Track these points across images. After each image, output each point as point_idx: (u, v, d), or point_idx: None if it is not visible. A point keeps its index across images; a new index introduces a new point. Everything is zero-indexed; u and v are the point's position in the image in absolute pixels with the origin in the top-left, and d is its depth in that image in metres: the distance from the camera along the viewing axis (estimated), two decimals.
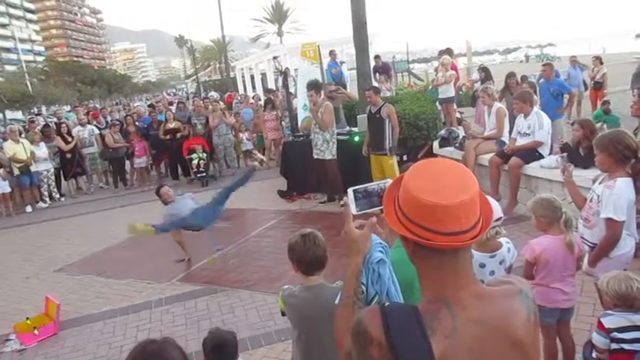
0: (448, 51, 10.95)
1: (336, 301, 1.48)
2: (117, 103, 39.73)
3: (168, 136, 10.94)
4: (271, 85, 19.41)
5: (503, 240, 2.54)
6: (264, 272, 5.38)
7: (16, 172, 9.67)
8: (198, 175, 10.41)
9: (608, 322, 2.40)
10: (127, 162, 11.41)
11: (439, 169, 1.10)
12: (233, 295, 4.93)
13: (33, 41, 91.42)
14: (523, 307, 1.12)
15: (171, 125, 11.03)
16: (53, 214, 9.58)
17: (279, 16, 55.69)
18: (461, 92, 13.36)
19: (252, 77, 25.39)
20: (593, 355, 2.49)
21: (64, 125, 11.01)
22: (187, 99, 31.31)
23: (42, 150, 10.05)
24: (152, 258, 6.30)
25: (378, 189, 1.45)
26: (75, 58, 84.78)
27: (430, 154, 7.88)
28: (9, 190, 9.69)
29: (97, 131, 11.22)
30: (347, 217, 1.44)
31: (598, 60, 12.00)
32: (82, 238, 7.72)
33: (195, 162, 10.39)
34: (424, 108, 8.41)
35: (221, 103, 15.43)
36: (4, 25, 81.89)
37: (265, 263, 5.62)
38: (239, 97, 18.49)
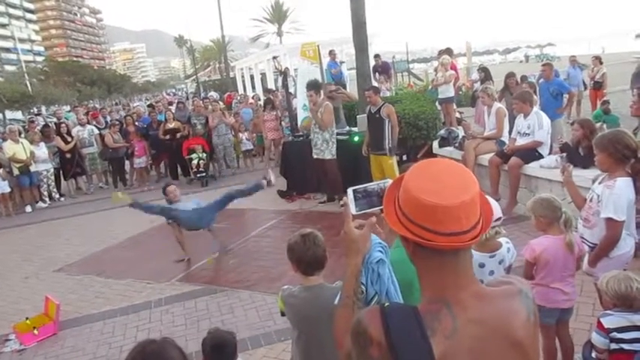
0: (448, 51, 10.96)
1: (336, 301, 1.48)
2: (116, 104, 39.67)
3: (167, 136, 10.94)
4: (271, 85, 19.40)
5: (502, 240, 2.54)
6: (263, 272, 5.38)
7: (16, 172, 9.67)
8: (198, 175, 10.41)
9: (608, 322, 2.40)
10: (127, 162, 11.42)
11: (439, 170, 1.09)
12: (233, 295, 4.93)
13: (32, 41, 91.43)
14: (523, 307, 1.12)
15: (171, 125, 11.03)
16: (53, 214, 9.58)
17: (278, 16, 55.69)
18: (460, 92, 13.37)
19: (252, 77, 25.39)
20: (593, 355, 2.49)
21: (63, 125, 11.01)
22: (187, 99, 31.31)
23: (42, 150, 10.05)
24: (152, 258, 6.30)
25: (378, 189, 1.45)
26: (74, 58, 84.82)
27: (430, 154, 7.89)
28: (8, 190, 9.69)
29: (96, 131, 11.23)
30: (346, 217, 1.44)
31: (597, 60, 12.00)
32: (81, 238, 7.72)
33: (194, 162, 10.39)
34: (424, 108, 8.42)
35: (221, 103, 15.43)
36: (3, 25, 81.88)
37: (265, 263, 5.62)
38: (239, 97, 18.48)
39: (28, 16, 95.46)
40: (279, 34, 54.45)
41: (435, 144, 7.94)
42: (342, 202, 1.45)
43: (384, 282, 1.58)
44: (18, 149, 9.63)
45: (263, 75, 23.48)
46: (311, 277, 2.25)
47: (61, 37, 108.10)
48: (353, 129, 8.24)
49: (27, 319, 4.63)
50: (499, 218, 2.35)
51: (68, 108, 31.21)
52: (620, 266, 2.87)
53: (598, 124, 7.28)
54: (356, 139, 7.76)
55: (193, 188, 10.07)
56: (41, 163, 10.00)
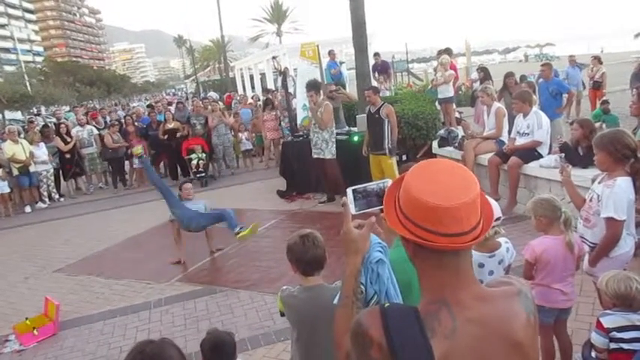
0: (447, 51, 10.96)
1: (335, 301, 1.48)
2: (116, 104, 39.68)
3: (166, 136, 10.94)
4: (270, 85, 19.40)
5: (502, 240, 2.54)
6: (263, 272, 5.38)
7: (15, 172, 9.67)
8: (198, 176, 10.41)
9: (607, 321, 2.40)
10: (127, 162, 11.41)
11: (440, 170, 1.09)
12: (232, 295, 4.93)
13: (32, 41, 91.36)
14: (523, 308, 1.12)
15: (171, 125, 11.03)
16: (52, 214, 9.57)
17: (278, 15, 55.71)
18: (460, 92, 13.37)
19: (252, 77, 25.40)
20: (592, 354, 2.49)
21: (63, 125, 11.00)
22: (186, 99, 31.32)
23: (41, 150, 10.05)
24: (151, 258, 6.30)
25: (378, 189, 1.45)
26: (74, 59, 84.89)
27: (429, 154, 7.89)
28: (8, 190, 9.69)
29: (96, 131, 11.21)
30: (346, 217, 1.44)
31: (597, 60, 12.01)
32: (81, 238, 7.71)
33: (194, 162, 10.38)
34: (423, 108, 8.42)
35: (220, 103, 15.43)
36: (2, 26, 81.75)
37: (265, 263, 5.62)
38: (238, 97, 18.49)
39: (28, 16, 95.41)
40: (279, 34, 54.47)
41: (435, 144, 7.94)
42: (341, 202, 1.45)
43: (384, 282, 1.58)
44: (17, 149, 9.63)
45: (262, 75, 23.49)
46: (310, 277, 2.25)
47: (61, 37, 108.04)
48: (352, 129, 8.24)
49: (27, 319, 4.63)
50: (498, 218, 2.35)
51: (67, 108, 31.22)
52: (620, 266, 2.88)
53: (597, 124, 7.30)
54: (355, 139, 7.77)
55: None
56: (41, 163, 9.99)
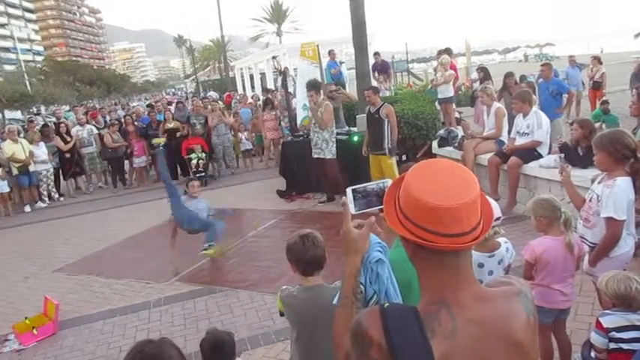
0: (447, 51, 10.96)
1: (334, 301, 1.48)
2: (115, 103, 39.65)
3: (165, 135, 10.92)
4: (270, 85, 19.40)
5: (501, 240, 2.54)
6: (263, 272, 5.37)
7: (15, 171, 9.67)
8: (197, 175, 10.38)
9: (607, 321, 2.40)
10: (126, 162, 11.41)
11: (440, 170, 1.09)
12: (232, 295, 4.93)
13: (32, 41, 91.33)
14: (523, 308, 1.12)
15: (170, 125, 11.03)
16: (52, 214, 9.57)
17: (278, 15, 55.70)
18: (460, 92, 13.37)
19: (252, 77, 25.40)
20: (592, 354, 2.49)
21: (62, 125, 11.00)
22: (186, 99, 31.31)
23: (41, 150, 10.05)
24: (151, 258, 6.29)
25: (377, 189, 1.45)
26: (74, 58, 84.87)
27: (429, 154, 7.89)
28: (8, 190, 9.68)
29: (95, 131, 11.21)
30: (345, 217, 1.44)
31: (597, 60, 12.01)
32: (81, 238, 7.71)
33: (194, 162, 10.38)
34: (423, 108, 8.42)
35: (220, 102, 15.42)
36: (2, 25, 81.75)
37: (264, 263, 5.62)
38: (238, 97, 18.49)
39: (28, 15, 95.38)
40: (279, 33, 54.46)
41: (435, 144, 7.94)
42: (341, 202, 1.45)
43: (383, 282, 1.58)
44: (17, 149, 9.62)
45: (262, 75, 23.49)
46: (310, 277, 2.25)
47: (61, 36, 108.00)
48: (352, 129, 8.24)
49: (26, 319, 4.63)
50: (498, 218, 2.35)
51: (67, 108, 31.18)
52: (619, 266, 2.88)
53: (597, 124, 7.30)
54: (355, 138, 7.77)
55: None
56: (40, 162, 9.99)
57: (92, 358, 4.15)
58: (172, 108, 13.37)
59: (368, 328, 1.06)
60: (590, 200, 3.05)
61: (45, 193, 10.31)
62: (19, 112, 38.40)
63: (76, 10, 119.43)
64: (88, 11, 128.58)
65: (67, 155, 10.68)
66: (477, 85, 9.63)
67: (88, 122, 11.52)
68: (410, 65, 27.71)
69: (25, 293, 5.74)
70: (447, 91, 9.54)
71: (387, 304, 1.13)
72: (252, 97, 17.37)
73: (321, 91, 7.58)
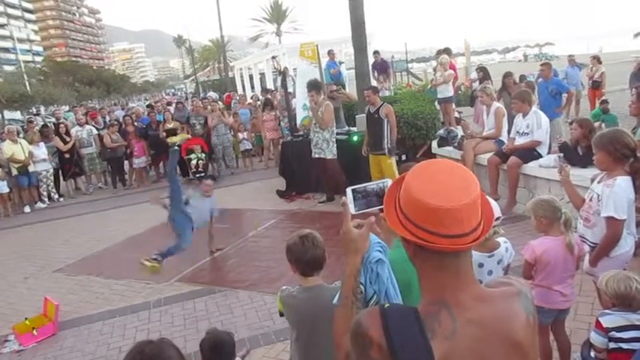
0: (446, 50, 10.96)
1: (334, 301, 1.48)
2: (115, 104, 39.66)
3: (164, 134, 10.92)
4: (270, 85, 19.39)
5: (501, 240, 2.54)
6: (263, 272, 5.37)
7: (15, 172, 9.66)
8: (197, 176, 10.40)
9: (607, 321, 2.40)
10: (126, 162, 11.40)
11: (441, 171, 1.09)
12: (232, 295, 4.93)
13: (31, 41, 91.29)
14: (522, 308, 1.12)
15: (170, 125, 11.02)
16: (52, 214, 9.57)
17: (277, 15, 55.68)
18: (459, 92, 13.37)
19: (251, 77, 25.40)
20: (592, 354, 2.49)
21: (62, 125, 11.01)
22: (186, 99, 31.30)
23: (41, 150, 10.04)
24: None
25: (377, 189, 1.45)
26: (73, 58, 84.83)
27: (429, 153, 7.89)
28: (7, 190, 9.68)
29: (95, 131, 11.20)
30: (345, 217, 1.44)
31: (596, 59, 12.02)
32: (80, 238, 7.71)
33: (193, 162, 10.38)
34: (423, 107, 8.42)
35: (220, 103, 15.42)
36: (2, 25, 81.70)
37: (264, 263, 5.62)
38: (237, 97, 18.49)
39: (27, 16, 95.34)
40: (278, 33, 54.45)
41: (434, 144, 7.94)
42: (341, 202, 1.45)
43: (383, 282, 1.58)
44: (16, 149, 9.62)
45: (262, 75, 23.49)
46: (310, 277, 2.25)
47: (60, 37, 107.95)
48: (352, 129, 8.24)
49: (26, 319, 4.63)
50: (498, 218, 2.35)
51: (67, 108, 31.20)
52: (620, 265, 2.88)
53: (597, 124, 7.31)
54: (355, 138, 7.76)
55: (192, 189, 10.05)
56: (40, 163, 9.99)
57: (92, 358, 4.15)
58: (172, 108, 13.36)
59: (368, 329, 1.06)
60: (590, 200, 3.05)
61: (44, 193, 10.31)
62: (18, 112, 38.40)
63: (76, 10, 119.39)
64: (88, 11, 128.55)
65: (67, 156, 10.68)
66: (476, 84, 9.64)
67: (87, 123, 11.52)
68: (409, 65, 27.70)
69: (25, 294, 5.74)
70: (447, 91, 9.54)
71: (387, 305, 1.13)
72: (251, 98, 17.35)
73: (322, 91, 7.58)
